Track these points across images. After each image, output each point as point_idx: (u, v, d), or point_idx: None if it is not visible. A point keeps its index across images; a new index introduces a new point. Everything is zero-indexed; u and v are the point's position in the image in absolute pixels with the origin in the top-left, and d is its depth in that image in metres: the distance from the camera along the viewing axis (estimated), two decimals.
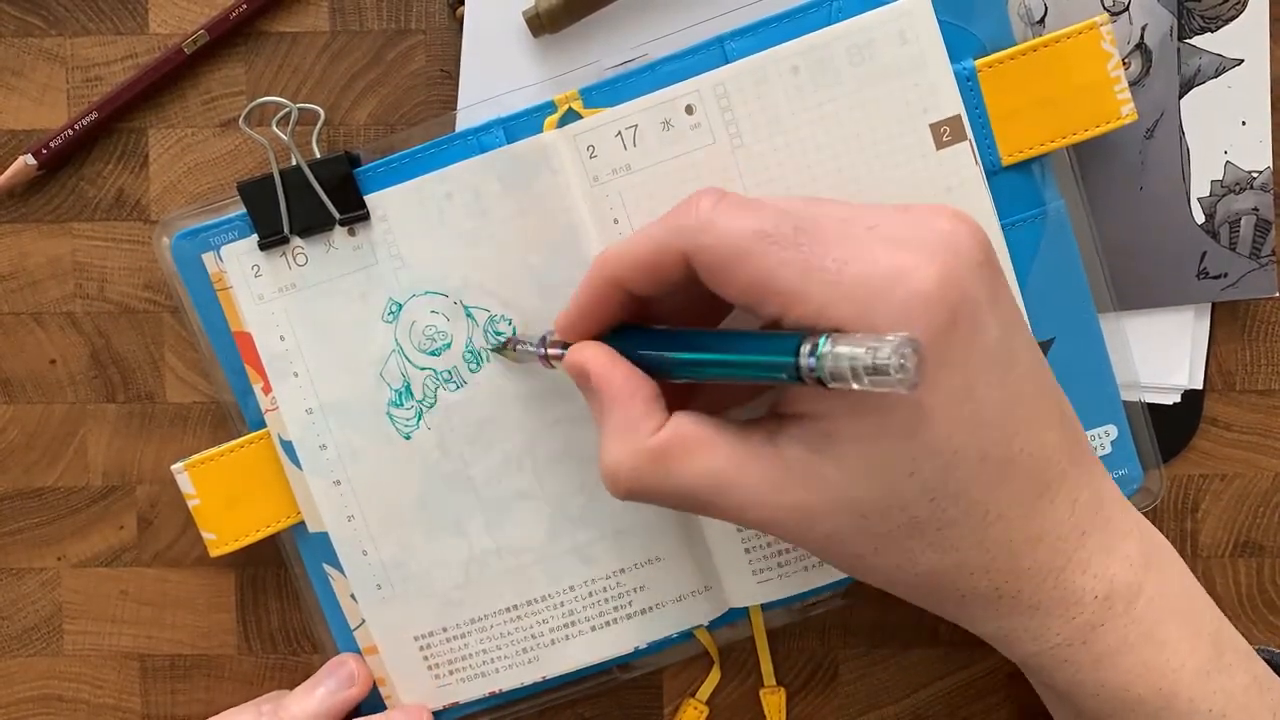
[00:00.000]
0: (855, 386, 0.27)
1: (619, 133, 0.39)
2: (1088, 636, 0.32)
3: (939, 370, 0.28)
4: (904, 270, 0.28)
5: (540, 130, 0.39)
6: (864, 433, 0.29)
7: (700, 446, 0.31)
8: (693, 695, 0.44)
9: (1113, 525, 0.33)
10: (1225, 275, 0.41)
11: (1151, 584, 0.32)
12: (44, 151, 0.42)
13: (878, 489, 0.30)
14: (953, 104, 0.38)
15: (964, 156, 0.38)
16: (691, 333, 0.33)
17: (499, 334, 0.40)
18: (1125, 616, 0.32)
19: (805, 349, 0.28)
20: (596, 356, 0.33)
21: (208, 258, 0.40)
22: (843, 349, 0.27)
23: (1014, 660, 0.34)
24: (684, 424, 0.31)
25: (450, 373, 0.40)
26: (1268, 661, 0.36)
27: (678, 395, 0.33)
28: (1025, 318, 0.32)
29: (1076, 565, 0.32)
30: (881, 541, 0.31)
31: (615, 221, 0.39)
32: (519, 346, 0.38)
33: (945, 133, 0.38)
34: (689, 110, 0.38)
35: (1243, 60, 0.41)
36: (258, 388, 0.41)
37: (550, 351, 0.36)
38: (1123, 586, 0.32)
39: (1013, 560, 0.31)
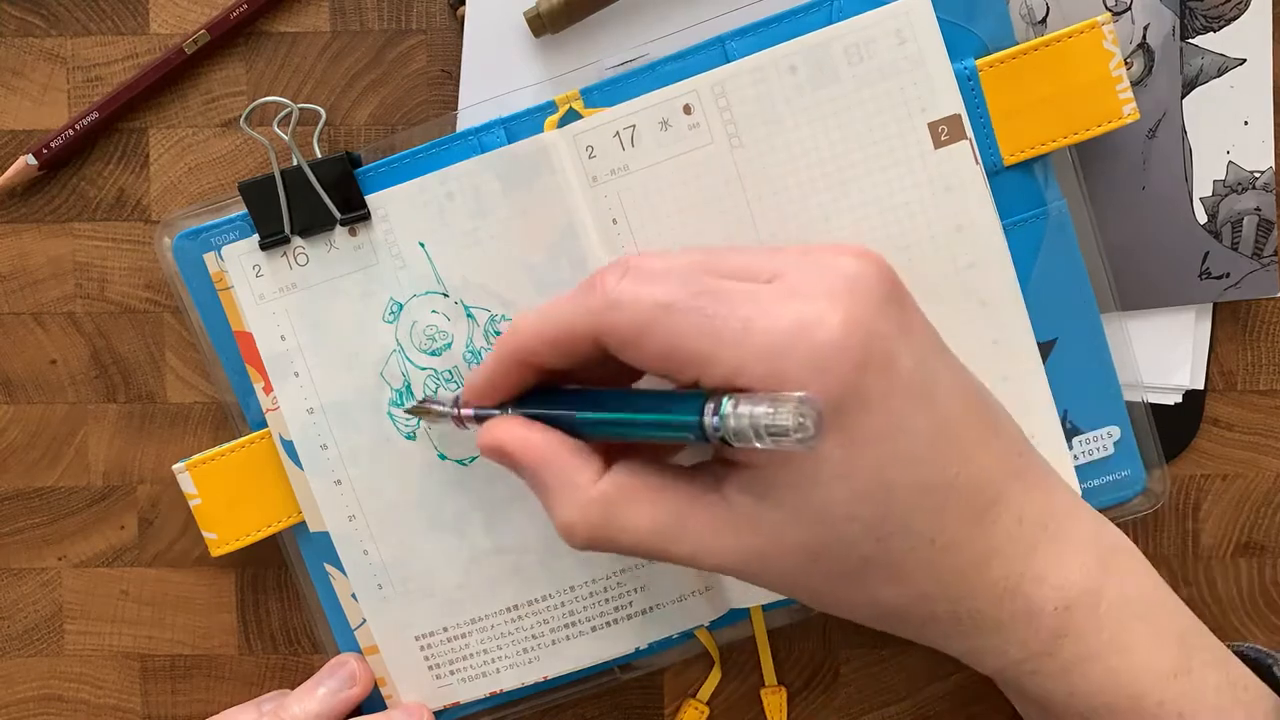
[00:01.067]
0: (758, 445, 0.28)
1: (617, 133, 0.38)
2: (1052, 648, 0.32)
3: (861, 414, 0.29)
4: (807, 322, 0.28)
5: (541, 130, 0.39)
6: (799, 480, 0.29)
7: (643, 496, 0.31)
8: (693, 695, 0.44)
9: (1064, 534, 0.33)
10: (1227, 275, 0.41)
11: (1112, 588, 0.33)
12: (44, 151, 0.42)
13: (822, 533, 0.30)
14: (951, 103, 0.38)
15: (963, 155, 0.38)
16: (598, 393, 0.33)
17: (499, 334, 0.40)
18: (1088, 624, 0.32)
19: (709, 407, 0.29)
20: (509, 429, 0.33)
21: (209, 258, 0.40)
22: (744, 409, 0.28)
23: (987, 675, 0.34)
24: (624, 474, 0.32)
25: (451, 372, 0.40)
26: (1246, 657, 0.36)
27: (615, 446, 0.33)
28: (941, 340, 0.32)
29: (1031, 580, 0.32)
30: (837, 580, 0.31)
31: (614, 221, 0.39)
32: (433, 406, 0.38)
33: (943, 132, 0.38)
34: (687, 110, 0.38)
35: (1245, 60, 0.41)
36: (259, 387, 0.41)
37: (463, 413, 0.36)
38: (1081, 594, 0.32)
39: (967, 583, 0.31)
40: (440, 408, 0.37)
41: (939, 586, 0.31)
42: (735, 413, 0.28)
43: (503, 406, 0.35)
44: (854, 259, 0.30)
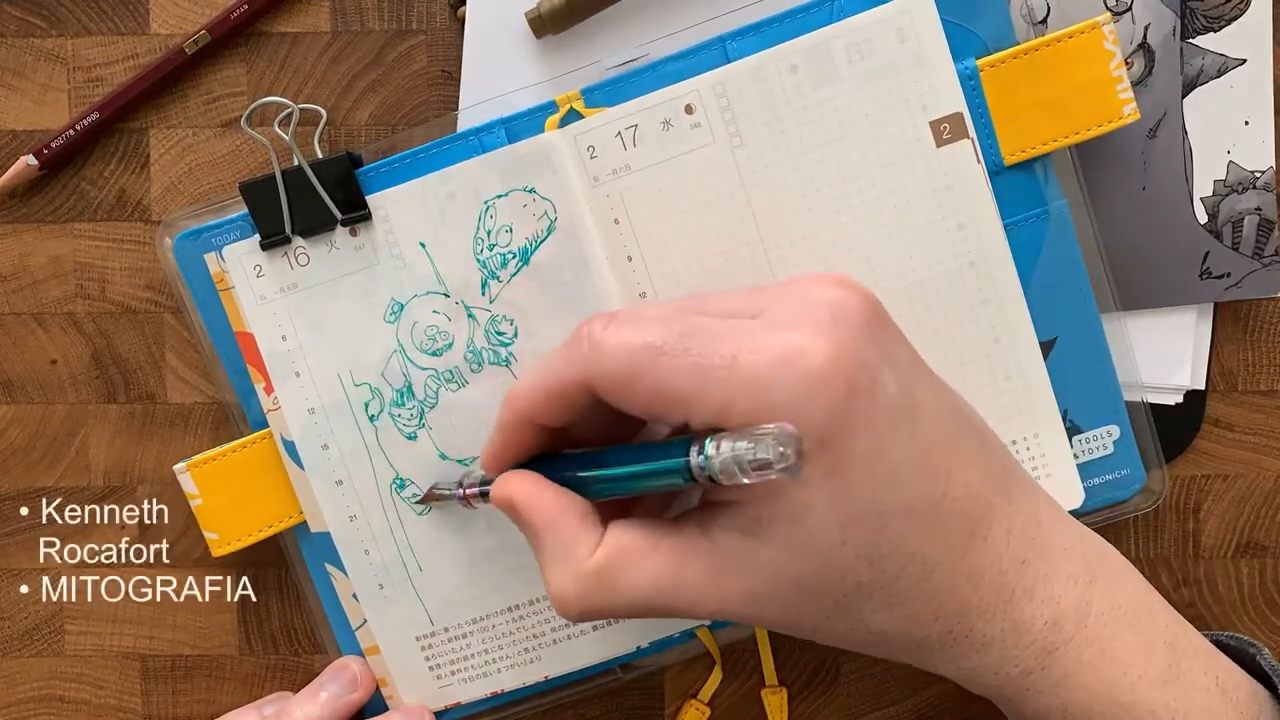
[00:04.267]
0: (745, 480, 0.28)
1: (619, 133, 0.39)
2: (1045, 662, 0.32)
3: (846, 440, 0.29)
4: (793, 352, 0.29)
5: (542, 130, 0.39)
6: (789, 512, 0.30)
7: (639, 556, 0.31)
8: (694, 696, 0.44)
9: (1052, 546, 0.33)
10: (1228, 275, 0.41)
11: (1099, 598, 0.33)
12: (45, 152, 0.42)
13: (815, 563, 0.30)
14: (953, 101, 0.38)
15: (965, 154, 0.38)
16: (592, 453, 0.33)
17: (500, 334, 0.40)
18: (1078, 637, 0.32)
19: (694, 449, 0.29)
20: (521, 485, 0.33)
21: (210, 258, 0.40)
22: (725, 445, 0.28)
23: (981, 695, 0.34)
24: (619, 537, 0.32)
25: (452, 373, 0.40)
26: (1228, 647, 0.36)
27: (616, 505, 0.34)
28: (923, 362, 0.32)
29: (1021, 594, 0.32)
30: (832, 610, 0.31)
31: (615, 222, 0.39)
32: (438, 491, 0.39)
33: (945, 130, 0.38)
34: (688, 110, 0.38)
35: (1245, 60, 0.41)
36: (259, 388, 0.41)
37: (468, 492, 0.37)
38: (1070, 608, 0.32)
39: (959, 601, 0.31)
40: (446, 491, 0.39)
41: (931, 606, 0.31)
42: (719, 450, 0.28)
43: None
44: (835, 288, 0.30)
